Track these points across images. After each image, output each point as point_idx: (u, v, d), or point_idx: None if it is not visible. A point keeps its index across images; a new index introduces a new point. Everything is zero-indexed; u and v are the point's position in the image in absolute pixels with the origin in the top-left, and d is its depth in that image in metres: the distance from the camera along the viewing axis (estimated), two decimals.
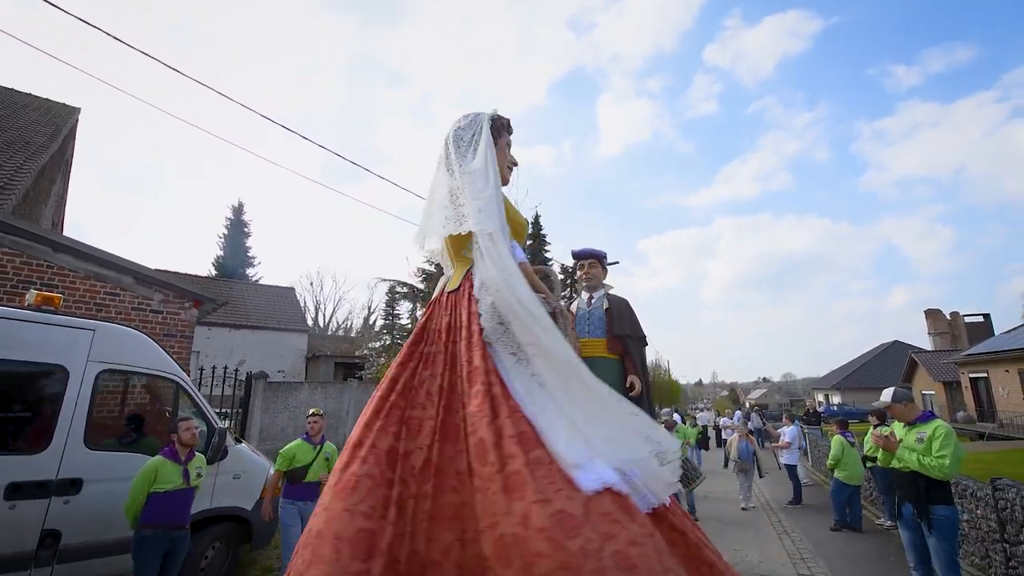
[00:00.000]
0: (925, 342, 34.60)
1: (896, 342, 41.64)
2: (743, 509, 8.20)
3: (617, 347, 4.16)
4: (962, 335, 29.61)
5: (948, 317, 32.46)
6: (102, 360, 3.93)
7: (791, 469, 8.91)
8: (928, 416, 3.66)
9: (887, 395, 3.82)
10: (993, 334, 25.02)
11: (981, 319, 28.70)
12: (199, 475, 3.74)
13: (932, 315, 33.74)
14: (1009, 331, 21.71)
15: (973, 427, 20.36)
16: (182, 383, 4.43)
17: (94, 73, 15.00)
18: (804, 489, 9.04)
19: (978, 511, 4.86)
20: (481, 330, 1.70)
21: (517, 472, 1.36)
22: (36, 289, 5.90)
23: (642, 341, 4.32)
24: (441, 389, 1.63)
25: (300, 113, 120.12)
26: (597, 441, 1.48)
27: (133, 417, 4.52)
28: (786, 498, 8.81)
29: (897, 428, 3.84)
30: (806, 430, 13.89)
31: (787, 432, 9.35)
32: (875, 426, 5.59)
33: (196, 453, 3.79)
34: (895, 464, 3.61)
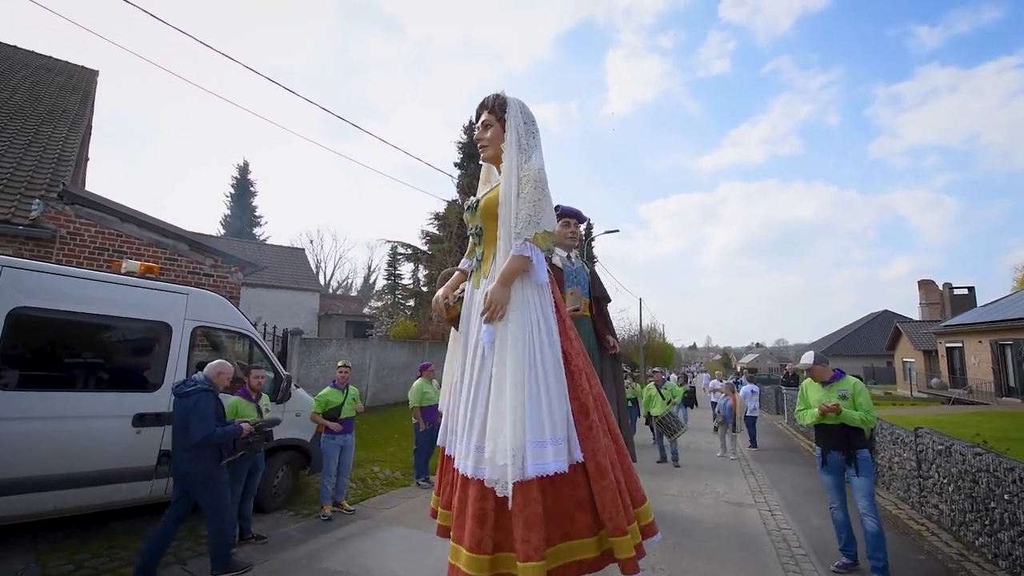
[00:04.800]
0: (917, 312, 35.02)
1: (886, 311, 42.82)
2: (719, 456, 9.39)
3: (592, 307, 4.62)
4: (948, 306, 30.43)
5: (941, 288, 32.19)
6: (195, 319, 4.82)
7: (750, 420, 10.65)
8: (841, 375, 4.18)
9: (809, 358, 4.38)
10: (976, 306, 25.99)
11: (966, 291, 29.59)
12: (267, 410, 4.69)
13: (925, 286, 34.14)
14: (987, 304, 22.70)
15: (944, 392, 21.73)
16: (255, 339, 5.36)
17: (92, 29, 15.04)
18: (771, 437, 10.68)
19: (904, 454, 5.92)
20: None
21: None
22: (109, 256, 6.78)
23: (608, 302, 4.90)
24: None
25: (294, 60, 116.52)
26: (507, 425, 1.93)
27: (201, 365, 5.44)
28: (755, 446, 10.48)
29: (812, 386, 4.34)
30: (784, 391, 15.34)
31: (744, 389, 10.66)
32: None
33: (262, 393, 4.72)
34: (824, 420, 4.08)
